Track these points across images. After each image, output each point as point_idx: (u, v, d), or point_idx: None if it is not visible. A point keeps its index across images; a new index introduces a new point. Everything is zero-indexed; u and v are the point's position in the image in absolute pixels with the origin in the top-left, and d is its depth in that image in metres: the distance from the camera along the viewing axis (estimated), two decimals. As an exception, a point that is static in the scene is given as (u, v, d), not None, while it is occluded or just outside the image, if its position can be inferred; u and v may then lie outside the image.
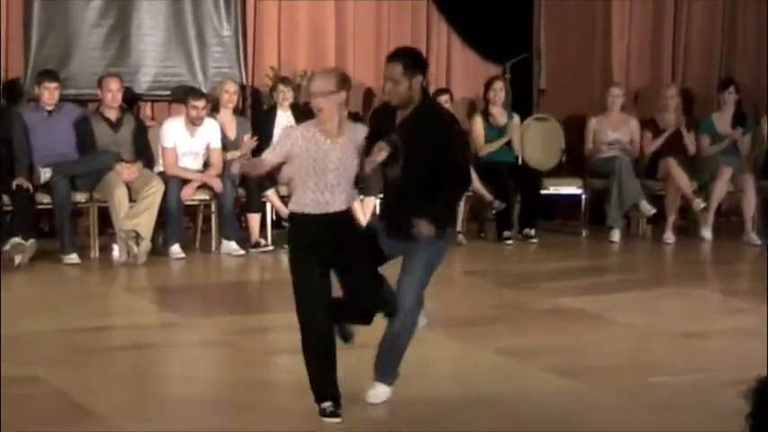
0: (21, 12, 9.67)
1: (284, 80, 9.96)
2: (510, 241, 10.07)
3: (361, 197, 8.33)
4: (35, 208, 8.86)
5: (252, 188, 9.43)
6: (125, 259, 8.82)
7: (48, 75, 9.17)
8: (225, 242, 9.34)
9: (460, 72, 11.27)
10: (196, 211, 9.72)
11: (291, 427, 5.08)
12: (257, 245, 9.43)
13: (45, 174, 8.79)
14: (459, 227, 9.46)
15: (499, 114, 10.55)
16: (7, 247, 8.46)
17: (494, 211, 10.15)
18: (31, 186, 8.72)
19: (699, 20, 11.83)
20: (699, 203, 10.15)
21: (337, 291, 5.06)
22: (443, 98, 9.84)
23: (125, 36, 9.96)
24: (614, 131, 10.65)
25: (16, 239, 8.45)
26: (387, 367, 5.23)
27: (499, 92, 10.53)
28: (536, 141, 10.96)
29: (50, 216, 9.05)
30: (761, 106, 11.41)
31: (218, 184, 9.26)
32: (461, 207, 9.52)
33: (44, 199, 8.87)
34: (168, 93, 10.10)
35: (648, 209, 10.19)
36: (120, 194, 8.87)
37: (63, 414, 5.14)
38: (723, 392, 5.12)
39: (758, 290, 7.94)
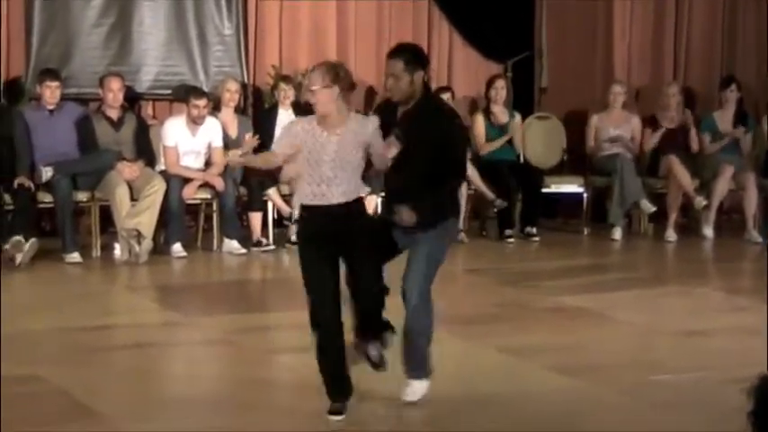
0: (22, 11, 9.67)
1: (286, 79, 9.96)
2: (511, 239, 10.07)
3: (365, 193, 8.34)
4: (36, 207, 8.86)
5: (253, 187, 9.43)
6: (126, 258, 8.82)
7: (49, 74, 9.17)
8: (226, 241, 9.35)
9: (462, 71, 11.27)
10: (198, 210, 9.72)
11: (293, 425, 5.08)
12: (259, 244, 9.43)
13: (46, 173, 8.79)
14: (460, 224, 9.46)
15: (500, 113, 10.55)
16: (8, 245, 8.46)
17: (495, 210, 10.15)
18: (32, 185, 8.73)
19: (700, 19, 11.84)
20: (700, 201, 10.15)
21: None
22: (445, 96, 9.83)
23: (126, 35, 9.96)
24: (616, 128, 10.66)
25: (17, 238, 8.45)
26: (413, 364, 5.22)
27: (500, 90, 10.54)
28: (537, 140, 10.97)
29: (52, 215, 9.06)
30: (761, 105, 11.41)
31: (219, 183, 9.26)
32: (463, 204, 9.50)
33: (45, 198, 8.87)
34: (170, 92, 10.09)
35: (649, 207, 10.20)
36: (122, 193, 8.87)
37: (64, 413, 5.15)
38: (725, 390, 5.13)
39: (759, 288, 7.94)
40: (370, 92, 10.66)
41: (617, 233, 10.24)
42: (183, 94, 9.59)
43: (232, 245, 9.29)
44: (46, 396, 5.39)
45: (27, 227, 8.61)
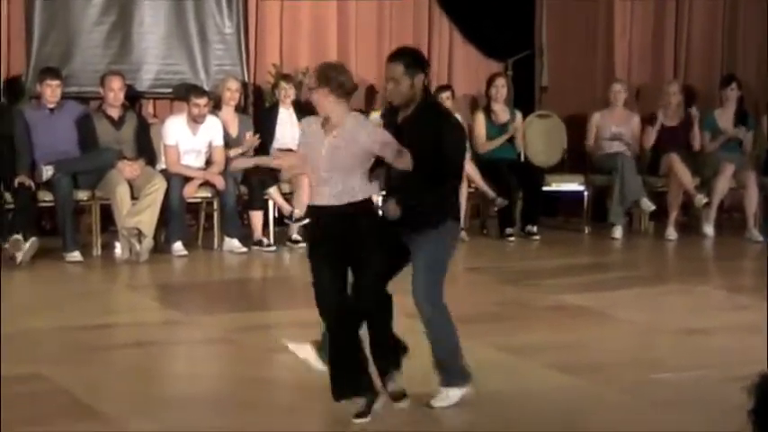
0: (22, 9, 9.67)
1: (286, 77, 9.96)
2: (512, 238, 10.07)
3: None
4: (37, 206, 8.86)
5: (254, 186, 9.43)
6: (127, 257, 8.82)
7: (49, 72, 9.17)
8: (227, 240, 9.35)
9: (462, 69, 11.27)
10: (198, 209, 9.72)
11: (293, 425, 5.07)
12: (259, 242, 9.43)
13: (47, 171, 8.79)
14: (461, 223, 9.45)
15: (501, 111, 10.55)
16: (8, 244, 8.46)
17: (496, 208, 10.15)
18: (33, 184, 8.73)
19: (700, 18, 11.83)
20: (701, 200, 10.15)
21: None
22: (445, 95, 9.86)
23: (127, 33, 9.96)
24: (617, 126, 10.66)
25: (17, 237, 8.45)
26: (444, 373, 5.21)
27: (501, 89, 10.54)
28: (538, 138, 10.97)
29: (52, 214, 9.06)
30: (761, 103, 11.41)
31: (220, 182, 9.26)
32: (463, 203, 9.50)
33: (46, 197, 8.88)
34: (170, 90, 10.09)
35: (649, 206, 10.20)
36: (123, 192, 8.87)
37: (65, 412, 5.14)
38: (725, 389, 5.12)
39: (760, 286, 7.93)
40: (371, 91, 10.65)
41: (617, 232, 10.24)
42: (184, 93, 9.59)
43: (233, 243, 9.29)
44: (47, 395, 5.39)
45: (27, 226, 8.61)
